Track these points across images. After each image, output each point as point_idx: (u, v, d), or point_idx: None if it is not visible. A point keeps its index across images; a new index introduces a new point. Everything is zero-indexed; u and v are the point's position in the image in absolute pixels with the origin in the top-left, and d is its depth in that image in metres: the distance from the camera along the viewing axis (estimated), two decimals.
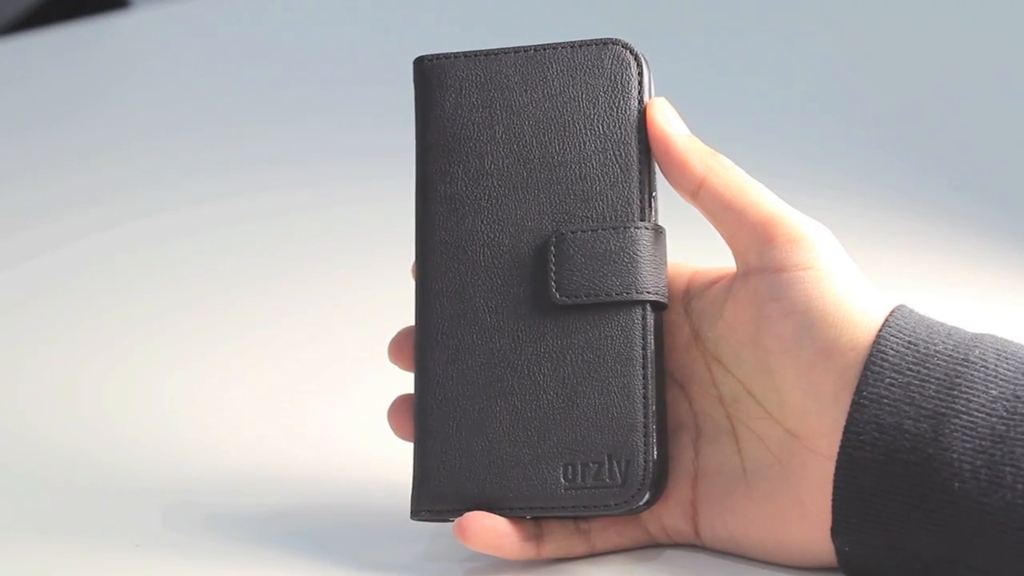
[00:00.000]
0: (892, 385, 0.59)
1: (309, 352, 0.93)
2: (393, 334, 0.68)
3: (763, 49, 1.40)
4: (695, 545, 0.64)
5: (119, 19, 1.56)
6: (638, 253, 0.64)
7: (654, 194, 0.65)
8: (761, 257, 0.62)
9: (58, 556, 0.68)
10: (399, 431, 0.67)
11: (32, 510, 0.73)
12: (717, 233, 0.65)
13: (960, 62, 1.30)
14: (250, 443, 0.81)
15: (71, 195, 1.19)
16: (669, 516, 0.64)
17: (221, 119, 1.32)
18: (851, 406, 0.59)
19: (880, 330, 0.60)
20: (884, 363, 0.59)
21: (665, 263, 0.65)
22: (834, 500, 0.59)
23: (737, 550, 0.63)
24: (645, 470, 0.62)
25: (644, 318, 0.64)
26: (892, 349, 0.59)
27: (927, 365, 0.59)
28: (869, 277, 0.62)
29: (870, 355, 0.59)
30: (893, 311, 0.61)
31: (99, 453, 0.80)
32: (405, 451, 0.66)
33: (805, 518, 0.61)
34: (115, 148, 1.27)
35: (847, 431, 0.59)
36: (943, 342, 0.59)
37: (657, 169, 0.65)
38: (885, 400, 0.59)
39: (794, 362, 0.61)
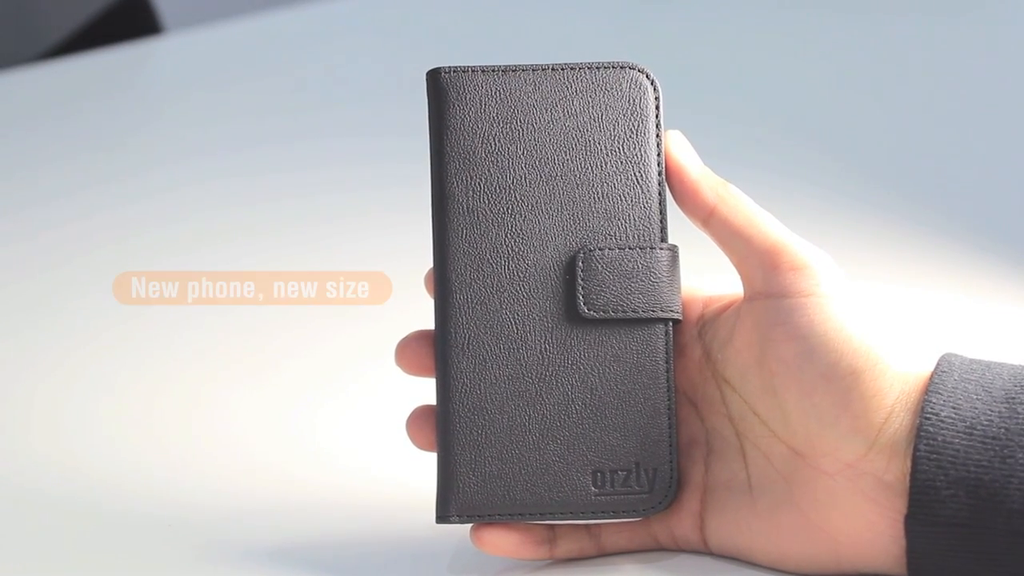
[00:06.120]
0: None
1: (313, 366, 0.93)
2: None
3: (752, 60, 1.41)
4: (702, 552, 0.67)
5: (154, 45, 1.56)
6: (661, 273, 0.66)
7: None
8: (766, 283, 0.65)
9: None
10: (419, 440, 0.68)
11: (30, 527, 0.75)
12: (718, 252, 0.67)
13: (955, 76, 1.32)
14: (252, 449, 0.82)
15: (110, 222, 1.18)
16: (679, 526, 0.67)
17: (257, 141, 1.32)
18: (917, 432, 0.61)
19: (928, 385, 0.62)
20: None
21: (680, 281, 0.67)
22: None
23: (742, 559, 0.66)
24: (671, 478, 0.65)
25: (667, 334, 0.66)
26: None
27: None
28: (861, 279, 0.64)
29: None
30: (937, 359, 0.63)
31: (102, 455, 0.81)
32: (400, 464, 0.68)
33: (808, 532, 0.63)
34: (151, 173, 1.27)
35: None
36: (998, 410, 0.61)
37: (669, 197, 0.68)
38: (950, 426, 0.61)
39: (796, 384, 0.64)
